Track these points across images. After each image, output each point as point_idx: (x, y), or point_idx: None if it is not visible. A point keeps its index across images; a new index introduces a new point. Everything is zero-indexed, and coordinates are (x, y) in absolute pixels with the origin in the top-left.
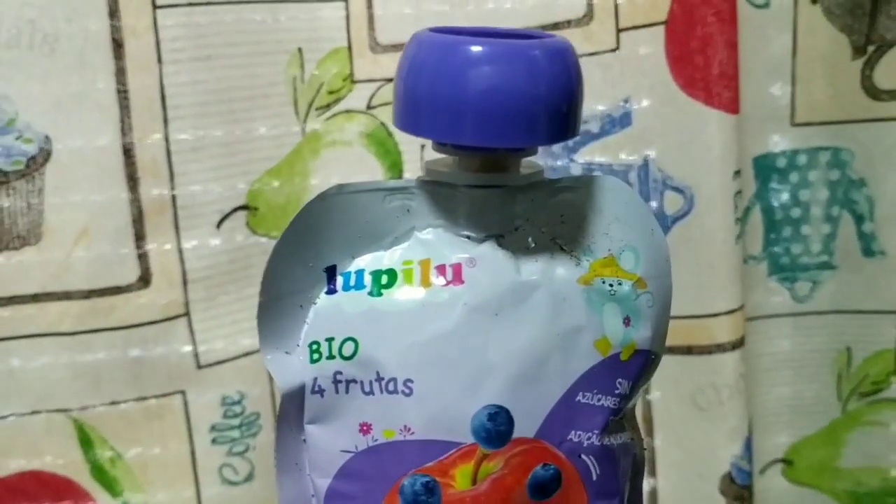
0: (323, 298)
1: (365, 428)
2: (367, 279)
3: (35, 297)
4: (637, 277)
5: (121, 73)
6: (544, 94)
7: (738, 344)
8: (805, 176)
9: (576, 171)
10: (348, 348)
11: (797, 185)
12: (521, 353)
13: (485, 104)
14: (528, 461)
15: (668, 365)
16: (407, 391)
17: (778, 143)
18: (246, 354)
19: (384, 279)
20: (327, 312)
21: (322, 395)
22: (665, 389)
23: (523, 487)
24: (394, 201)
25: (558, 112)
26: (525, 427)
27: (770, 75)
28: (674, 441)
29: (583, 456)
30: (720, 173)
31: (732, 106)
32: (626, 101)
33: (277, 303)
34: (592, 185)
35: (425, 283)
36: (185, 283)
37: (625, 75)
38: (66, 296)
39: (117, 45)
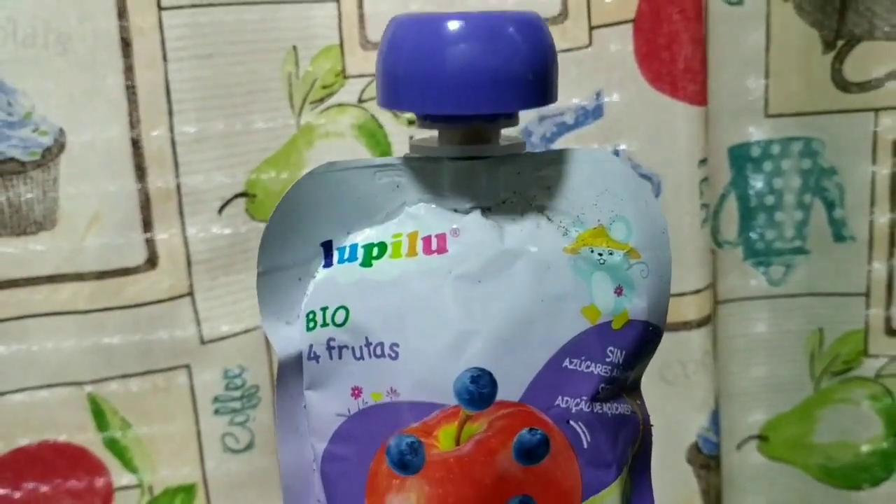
0: (321, 272)
1: (356, 392)
2: (360, 252)
3: (50, 279)
4: (629, 247)
5: (129, 70)
6: (516, 60)
7: (703, 322)
8: (778, 165)
9: None
10: (340, 316)
11: (771, 173)
12: (504, 318)
13: (461, 73)
14: (513, 424)
15: None
16: (393, 355)
17: (752, 133)
18: (246, 331)
19: (374, 251)
20: (324, 285)
21: (317, 362)
22: None
23: (509, 450)
24: (383, 178)
25: (530, 77)
26: (509, 391)
27: (745, 69)
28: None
29: (571, 422)
30: (686, 162)
31: (698, 98)
32: (598, 94)
33: (275, 275)
34: (581, 158)
35: (412, 253)
36: (189, 265)
37: (597, 70)
38: (79, 277)
39: (126, 44)
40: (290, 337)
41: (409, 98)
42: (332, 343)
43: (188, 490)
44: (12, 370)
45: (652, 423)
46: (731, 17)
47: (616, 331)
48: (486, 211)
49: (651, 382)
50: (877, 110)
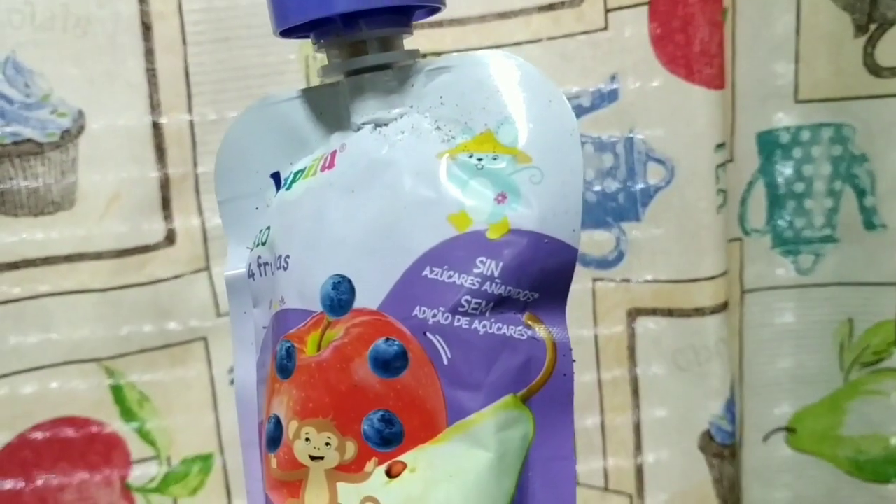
0: (272, 201)
1: (271, 304)
2: (290, 178)
3: (68, 258)
4: (517, 151)
5: (149, 54)
6: None
7: (718, 309)
8: (808, 151)
9: None
10: (265, 235)
11: (800, 160)
12: (367, 225)
13: None
14: (369, 333)
15: (650, 326)
16: (285, 266)
17: (781, 119)
18: None
19: (294, 176)
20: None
21: (253, 279)
22: (647, 349)
23: (364, 359)
24: (307, 107)
25: None
26: (367, 298)
27: (774, 53)
28: (657, 399)
29: (429, 334)
30: (701, 146)
31: (715, 82)
32: (613, 77)
33: (234, 203)
34: (473, 63)
35: (313, 173)
36: (205, 241)
37: (612, 53)
38: (98, 255)
39: (146, 28)
40: (239, 261)
41: (296, 11)
42: (260, 261)
43: (206, 459)
44: (30, 348)
45: (666, 409)
46: (760, 0)
47: (491, 240)
48: (381, 126)
49: (665, 368)
50: None
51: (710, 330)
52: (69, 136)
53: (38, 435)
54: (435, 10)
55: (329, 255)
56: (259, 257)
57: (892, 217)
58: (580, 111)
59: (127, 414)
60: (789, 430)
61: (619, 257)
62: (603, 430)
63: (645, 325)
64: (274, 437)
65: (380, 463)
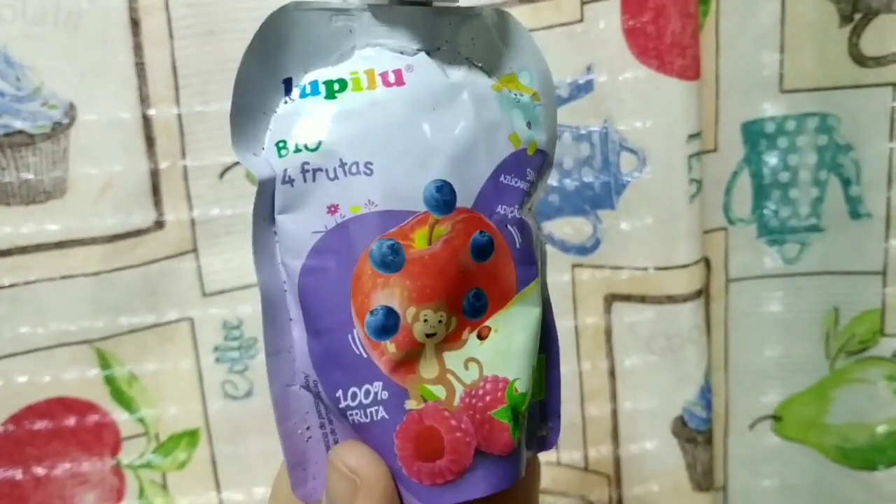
0: (282, 107)
1: (332, 209)
2: (322, 87)
3: (59, 245)
4: (533, 92)
5: (138, 48)
6: None
7: (691, 297)
8: (794, 141)
9: None
10: (313, 142)
11: (786, 150)
12: (457, 139)
13: None
14: (469, 227)
15: (625, 312)
16: (368, 172)
17: (767, 109)
18: (244, 287)
19: (336, 86)
20: (288, 117)
21: (292, 185)
22: (623, 336)
23: (467, 248)
24: (338, 22)
25: None
26: (464, 199)
27: (759, 44)
28: (631, 383)
29: (508, 226)
30: (674, 136)
31: (688, 73)
32: (588, 69)
33: (244, 110)
34: (499, 15)
35: (372, 86)
36: (193, 225)
37: (587, 45)
38: (92, 241)
39: (134, 23)
40: (261, 165)
41: None
42: (306, 167)
43: (192, 434)
44: (23, 332)
45: (642, 392)
46: None
47: (530, 156)
48: (428, 53)
49: (639, 354)
50: (894, 85)
51: (684, 317)
52: (60, 128)
53: (32, 416)
54: None
55: (427, 163)
56: (305, 163)
57: (877, 206)
58: (558, 102)
59: (117, 394)
60: (776, 418)
61: (597, 244)
62: (583, 416)
63: (621, 311)
64: (386, 326)
65: (472, 331)
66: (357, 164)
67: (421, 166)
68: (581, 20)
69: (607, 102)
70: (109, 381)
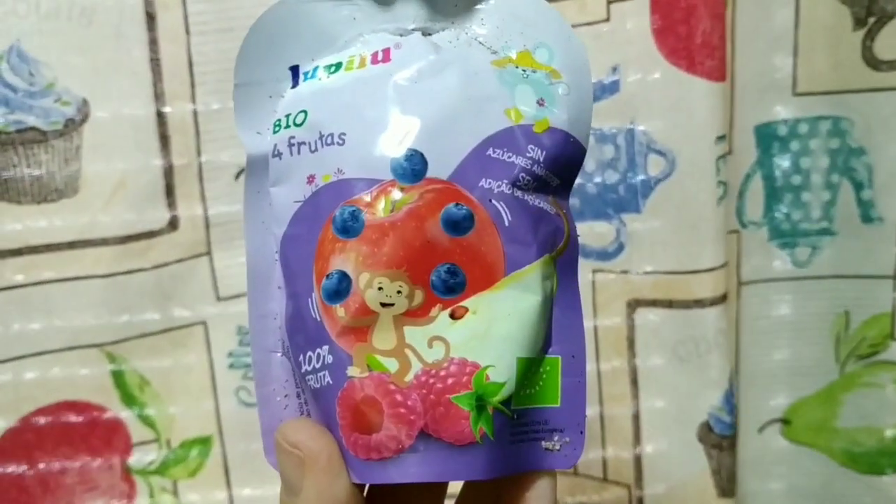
0: (288, 93)
1: (310, 179)
2: (321, 71)
3: (71, 245)
4: (551, 69)
5: (153, 43)
6: None
7: (717, 301)
8: (806, 144)
9: None
10: (300, 118)
11: (798, 153)
12: (435, 110)
13: None
14: (441, 198)
15: (649, 317)
16: (340, 142)
17: (779, 112)
18: None
19: (332, 68)
20: (290, 101)
21: (280, 158)
22: (647, 340)
23: (437, 220)
24: (343, 10)
25: None
26: (439, 170)
27: (772, 46)
28: (655, 389)
29: (493, 201)
30: (702, 138)
31: (716, 74)
32: (614, 69)
33: (249, 89)
34: None
35: (362, 65)
36: (207, 227)
37: (614, 45)
38: (103, 242)
39: (150, 18)
40: (259, 143)
41: None
42: (292, 141)
43: (205, 441)
44: (33, 333)
45: (665, 399)
46: None
47: (537, 133)
48: (427, 35)
49: (665, 359)
50: None
51: (710, 321)
52: (73, 125)
53: (41, 419)
54: None
55: (399, 132)
56: (292, 137)
57: (889, 210)
58: None
59: (128, 398)
60: (785, 421)
61: (620, 249)
62: (602, 420)
63: (645, 316)
64: (338, 290)
65: (443, 308)
66: (332, 135)
67: (393, 136)
68: (607, 20)
69: (634, 103)
70: (120, 385)
